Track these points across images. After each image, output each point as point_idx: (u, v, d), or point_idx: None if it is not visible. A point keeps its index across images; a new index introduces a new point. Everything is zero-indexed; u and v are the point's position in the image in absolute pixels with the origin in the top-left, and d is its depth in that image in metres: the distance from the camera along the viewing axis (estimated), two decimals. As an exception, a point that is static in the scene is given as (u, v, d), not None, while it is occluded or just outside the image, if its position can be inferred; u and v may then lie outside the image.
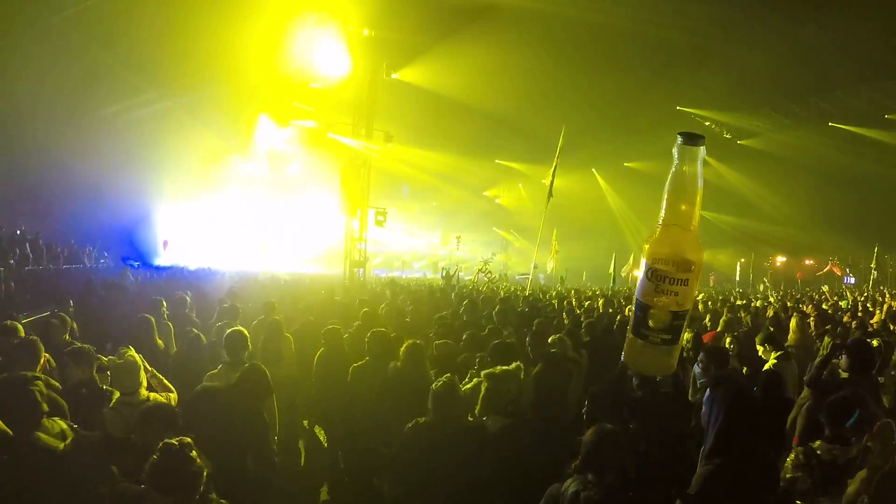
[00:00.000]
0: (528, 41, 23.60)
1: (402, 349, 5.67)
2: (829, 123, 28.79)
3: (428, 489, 4.12)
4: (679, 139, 3.26)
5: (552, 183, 15.61)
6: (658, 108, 30.55)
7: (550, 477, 3.77)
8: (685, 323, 3.40)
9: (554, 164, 15.64)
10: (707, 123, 33.26)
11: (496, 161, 37.40)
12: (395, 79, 22.63)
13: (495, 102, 29.50)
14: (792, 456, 3.85)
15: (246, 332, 6.23)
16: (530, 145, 32.65)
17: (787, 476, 3.78)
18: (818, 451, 3.83)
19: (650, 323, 3.45)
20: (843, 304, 17.44)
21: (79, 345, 5.48)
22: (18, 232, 23.58)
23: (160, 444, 3.22)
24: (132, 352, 5.10)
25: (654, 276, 3.35)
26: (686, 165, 3.29)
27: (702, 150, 3.27)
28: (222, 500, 3.35)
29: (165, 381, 5.70)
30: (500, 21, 22.07)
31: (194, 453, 3.23)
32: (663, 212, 3.34)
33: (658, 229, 3.35)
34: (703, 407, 3.55)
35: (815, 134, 29.35)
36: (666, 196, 3.33)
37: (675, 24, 23.21)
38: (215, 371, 5.92)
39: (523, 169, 39.14)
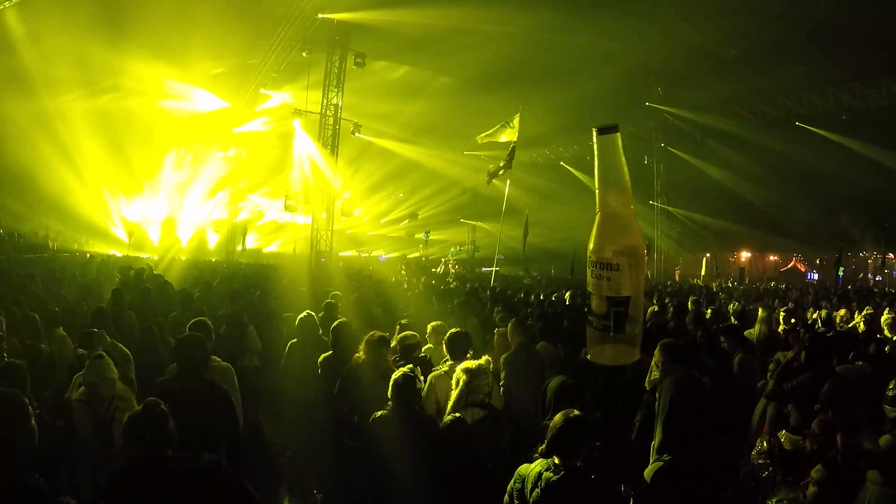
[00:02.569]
0: (497, 36, 23.58)
1: (363, 341, 5.59)
2: (797, 123, 29.11)
3: (398, 480, 4.13)
4: (594, 132, 3.56)
5: (505, 167, 15.24)
6: (626, 104, 30.74)
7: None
8: (628, 311, 3.53)
9: (511, 145, 15.18)
10: (676, 122, 33.52)
11: (464, 153, 37.33)
12: (363, 68, 22.45)
13: (464, 94, 29.49)
14: (758, 442, 3.87)
15: (209, 322, 6.06)
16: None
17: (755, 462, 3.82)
18: (783, 441, 3.85)
19: (593, 308, 3.67)
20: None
21: (9, 360, 5.21)
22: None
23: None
24: (107, 359, 5.01)
25: (590, 262, 3.61)
26: (604, 155, 3.56)
27: (615, 137, 3.56)
28: None
29: (122, 347, 5.79)
30: (472, 13, 22.00)
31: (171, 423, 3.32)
32: (597, 201, 3.64)
33: (595, 219, 3.63)
34: (657, 401, 3.55)
35: (781, 133, 29.61)
36: (596, 186, 3.61)
37: (646, 18, 23.35)
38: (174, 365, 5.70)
39: (491, 161, 39.18)
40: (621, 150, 3.64)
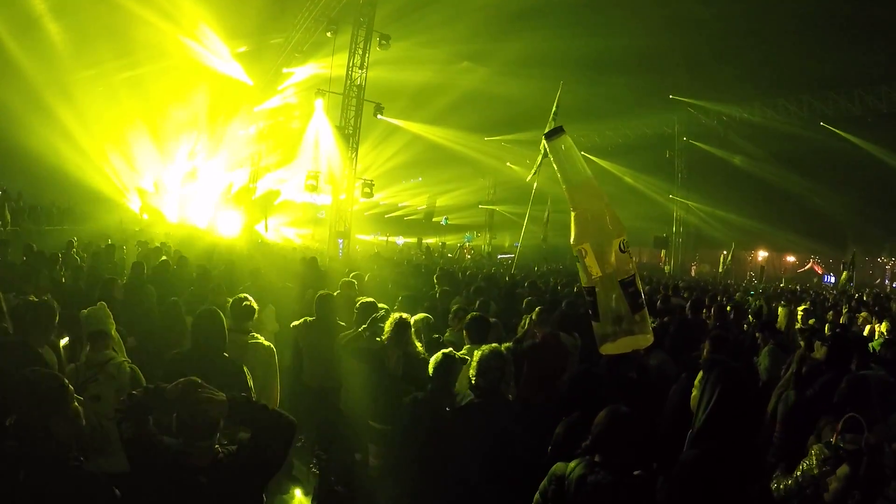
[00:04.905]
0: (522, 24, 23.55)
1: (388, 324, 5.48)
2: (821, 123, 28.79)
3: (416, 462, 4.16)
4: (544, 140, 4.03)
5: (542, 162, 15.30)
6: (651, 96, 30.52)
7: (532, 458, 3.78)
8: (597, 299, 3.79)
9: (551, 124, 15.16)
10: (700, 115, 33.25)
11: (485, 138, 37.22)
12: (386, 51, 22.34)
13: (486, 81, 29.37)
14: (814, 451, 3.77)
15: (252, 301, 6.04)
16: (520, 124, 32.61)
17: (807, 474, 3.71)
18: (840, 446, 3.73)
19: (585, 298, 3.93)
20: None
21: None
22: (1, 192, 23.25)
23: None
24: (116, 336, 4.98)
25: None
26: (558, 157, 3.91)
27: (564, 139, 3.92)
28: None
29: None
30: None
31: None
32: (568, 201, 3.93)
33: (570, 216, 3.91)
34: (695, 390, 3.52)
35: (805, 132, 29.27)
36: (563, 187, 3.91)
37: (670, 12, 23.15)
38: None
39: (513, 147, 39.05)
40: (575, 150, 3.96)
